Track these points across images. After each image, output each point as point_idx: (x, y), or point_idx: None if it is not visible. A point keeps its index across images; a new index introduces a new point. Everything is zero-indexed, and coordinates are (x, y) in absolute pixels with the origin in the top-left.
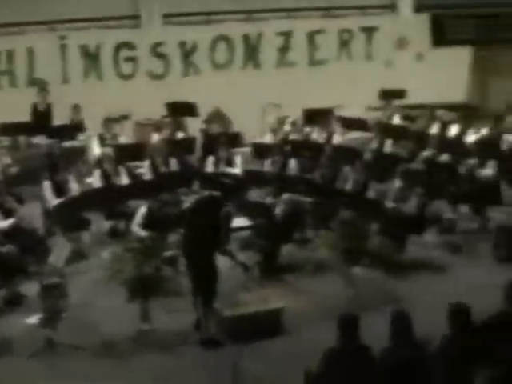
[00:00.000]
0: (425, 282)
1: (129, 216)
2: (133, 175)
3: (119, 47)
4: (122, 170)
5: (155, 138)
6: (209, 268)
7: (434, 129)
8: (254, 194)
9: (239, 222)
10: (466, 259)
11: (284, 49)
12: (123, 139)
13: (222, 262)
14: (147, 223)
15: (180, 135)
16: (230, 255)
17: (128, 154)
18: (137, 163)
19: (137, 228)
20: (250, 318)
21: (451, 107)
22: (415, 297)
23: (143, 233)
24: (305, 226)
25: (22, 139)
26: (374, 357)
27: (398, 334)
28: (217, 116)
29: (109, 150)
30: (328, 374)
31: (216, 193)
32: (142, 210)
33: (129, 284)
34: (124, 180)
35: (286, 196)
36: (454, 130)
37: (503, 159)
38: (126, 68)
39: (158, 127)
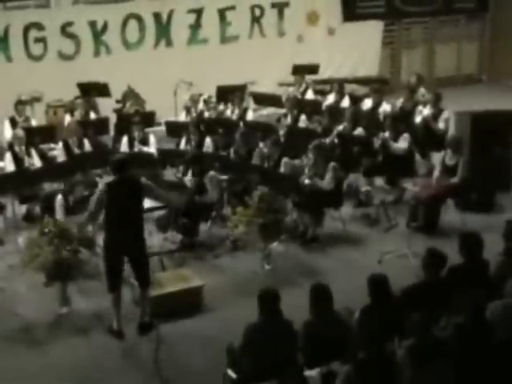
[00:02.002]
0: (342, 255)
1: (43, 199)
2: (46, 158)
3: (28, 28)
4: (35, 153)
5: (67, 119)
6: (143, 250)
7: (347, 103)
8: (170, 173)
9: (155, 201)
10: (383, 231)
11: (196, 26)
12: (35, 122)
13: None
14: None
15: (92, 116)
16: None
17: (40, 136)
18: (50, 145)
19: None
20: (170, 297)
21: (363, 81)
22: (333, 270)
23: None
24: (222, 203)
25: None
26: (296, 331)
27: (318, 307)
28: (130, 95)
29: (20, 133)
30: (251, 350)
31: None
32: (58, 199)
33: (46, 268)
34: (37, 163)
35: (211, 173)
36: (367, 104)
37: (416, 131)
38: (36, 49)
39: (70, 108)
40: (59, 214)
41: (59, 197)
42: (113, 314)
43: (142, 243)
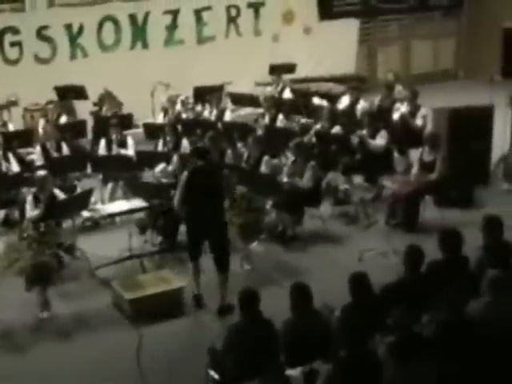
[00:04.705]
0: (322, 254)
1: (22, 204)
2: (24, 162)
3: (3, 32)
4: (12, 157)
5: (41, 123)
6: (223, 235)
7: (325, 101)
8: (147, 175)
9: (134, 203)
10: (362, 229)
11: (172, 27)
12: (12, 126)
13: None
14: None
15: (70, 119)
16: None
17: (17, 140)
18: (27, 149)
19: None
20: (151, 299)
21: (340, 79)
22: (313, 269)
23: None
24: None
25: None
26: (277, 330)
27: (298, 306)
28: (107, 98)
29: None
30: (232, 350)
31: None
32: (29, 199)
33: (26, 273)
34: (15, 167)
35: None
36: (344, 102)
37: (394, 128)
38: (12, 53)
39: (46, 112)
40: (29, 212)
41: (29, 197)
42: (193, 281)
43: (222, 228)
